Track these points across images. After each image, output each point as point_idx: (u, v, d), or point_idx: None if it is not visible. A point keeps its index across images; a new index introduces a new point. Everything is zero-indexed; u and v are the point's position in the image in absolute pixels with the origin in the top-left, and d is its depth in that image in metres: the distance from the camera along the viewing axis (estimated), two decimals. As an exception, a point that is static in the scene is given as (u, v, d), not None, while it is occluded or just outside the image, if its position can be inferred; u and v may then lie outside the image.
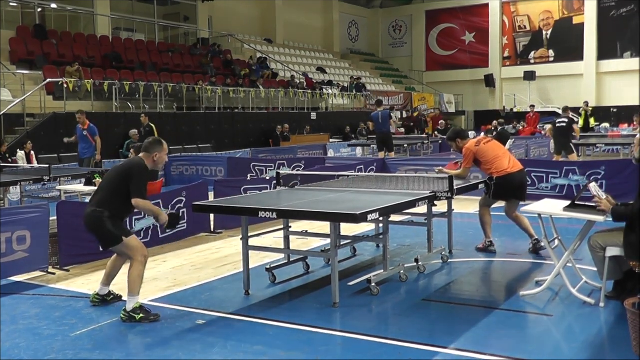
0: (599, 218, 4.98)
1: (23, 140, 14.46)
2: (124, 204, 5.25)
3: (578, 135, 15.18)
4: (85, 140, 13.03)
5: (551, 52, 33.54)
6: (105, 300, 5.57)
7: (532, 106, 25.92)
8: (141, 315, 5.07)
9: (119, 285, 6.22)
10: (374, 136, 16.96)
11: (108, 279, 5.61)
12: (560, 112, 27.93)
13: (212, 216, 8.69)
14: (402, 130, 25.62)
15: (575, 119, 26.62)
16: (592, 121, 25.11)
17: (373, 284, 5.66)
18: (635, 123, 21.40)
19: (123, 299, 5.51)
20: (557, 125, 14.43)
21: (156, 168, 5.54)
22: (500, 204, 7.88)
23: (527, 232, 7.22)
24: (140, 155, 5.42)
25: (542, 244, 6.28)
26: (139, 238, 7.62)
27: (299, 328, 4.81)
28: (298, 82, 25.48)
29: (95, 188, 9.30)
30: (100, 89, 17.54)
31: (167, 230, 7.66)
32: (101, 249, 5.82)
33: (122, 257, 5.55)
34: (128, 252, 5.28)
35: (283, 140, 20.91)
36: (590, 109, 25.33)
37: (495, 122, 21.05)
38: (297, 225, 7.86)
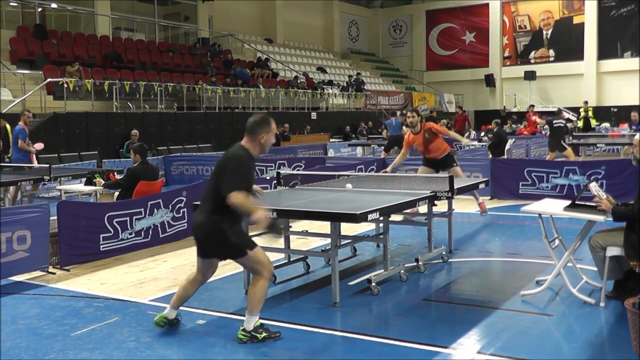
0: (599, 218, 4.98)
1: (23, 140, 14.44)
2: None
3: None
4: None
5: (551, 52, 33.54)
6: (172, 323, 4.87)
7: (532, 106, 25.91)
8: (264, 334, 4.53)
9: (118, 285, 6.24)
10: (377, 136, 17.11)
11: (180, 303, 4.88)
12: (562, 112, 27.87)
13: (212, 216, 8.67)
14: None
15: (574, 118, 26.56)
16: (593, 122, 24.98)
17: (373, 284, 5.66)
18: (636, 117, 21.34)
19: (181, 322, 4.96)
20: (555, 125, 14.61)
21: (263, 152, 4.71)
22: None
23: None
24: (243, 141, 4.59)
25: None
26: (140, 238, 7.70)
27: (299, 328, 4.81)
28: (299, 81, 25.48)
29: (95, 188, 9.42)
30: (100, 88, 17.54)
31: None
32: (220, 260, 4.85)
33: (199, 280, 4.83)
34: (254, 266, 4.57)
35: (283, 140, 20.90)
36: (590, 108, 25.22)
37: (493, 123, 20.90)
38: (297, 225, 7.87)
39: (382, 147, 17.01)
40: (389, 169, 9.41)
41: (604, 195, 5.01)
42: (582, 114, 24.64)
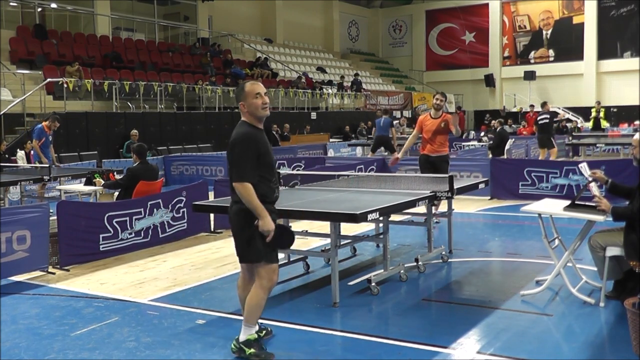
0: (599, 218, 4.98)
1: (23, 140, 14.46)
2: (258, 189, 4.03)
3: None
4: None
5: (551, 52, 33.56)
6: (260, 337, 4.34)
7: (532, 106, 25.92)
8: (253, 350, 4.12)
9: (118, 285, 6.24)
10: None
11: None
12: (560, 111, 27.73)
13: (212, 216, 8.69)
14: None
15: (574, 118, 26.37)
16: (603, 123, 24.79)
17: (373, 284, 5.66)
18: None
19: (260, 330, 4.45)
20: (539, 122, 14.63)
21: (261, 117, 4.41)
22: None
23: None
24: (243, 117, 4.36)
25: None
26: (139, 238, 7.69)
27: (299, 328, 4.81)
28: (301, 81, 25.49)
29: (95, 188, 9.40)
30: (100, 88, 17.53)
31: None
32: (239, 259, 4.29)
33: (250, 276, 4.34)
34: (262, 271, 4.12)
35: (283, 140, 20.91)
36: (602, 109, 24.99)
37: (494, 122, 20.87)
38: (297, 225, 7.86)
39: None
40: (400, 154, 9.28)
41: (603, 194, 5.01)
42: (593, 114, 24.51)
